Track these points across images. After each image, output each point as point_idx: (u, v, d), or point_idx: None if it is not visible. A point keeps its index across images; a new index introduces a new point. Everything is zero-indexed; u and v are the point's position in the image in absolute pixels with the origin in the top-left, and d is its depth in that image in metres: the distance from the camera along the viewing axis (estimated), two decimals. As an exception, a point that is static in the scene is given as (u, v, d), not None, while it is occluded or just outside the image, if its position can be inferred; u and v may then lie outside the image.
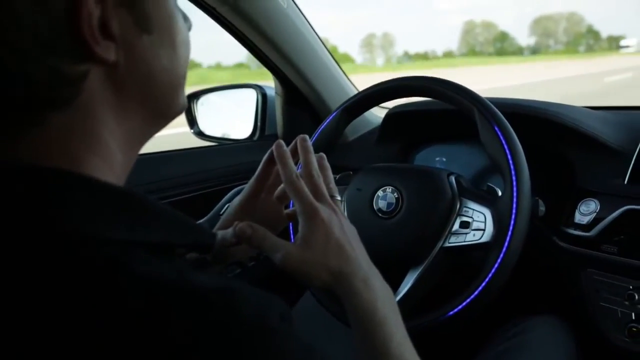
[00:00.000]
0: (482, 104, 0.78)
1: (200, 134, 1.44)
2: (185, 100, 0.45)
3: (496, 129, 0.76)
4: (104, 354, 0.27)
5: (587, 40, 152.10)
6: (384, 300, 0.50)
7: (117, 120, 0.38)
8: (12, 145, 0.33)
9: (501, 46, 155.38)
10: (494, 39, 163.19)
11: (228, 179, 1.23)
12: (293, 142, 0.59)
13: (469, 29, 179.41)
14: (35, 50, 0.32)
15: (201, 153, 1.30)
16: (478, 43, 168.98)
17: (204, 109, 1.45)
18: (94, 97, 0.36)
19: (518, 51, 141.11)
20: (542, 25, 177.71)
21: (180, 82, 0.43)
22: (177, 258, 0.40)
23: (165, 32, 0.40)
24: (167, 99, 0.42)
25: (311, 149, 0.58)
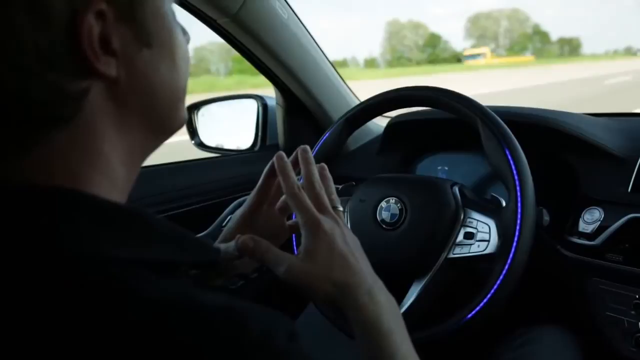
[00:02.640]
0: (485, 113, 0.78)
1: (201, 145, 1.43)
2: (186, 113, 0.45)
3: (499, 138, 0.75)
4: None
5: (534, 43, 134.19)
6: (389, 312, 0.50)
7: (118, 135, 0.38)
8: (13, 164, 0.33)
9: (433, 51, 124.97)
10: (424, 43, 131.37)
11: (229, 191, 1.23)
12: (294, 154, 0.59)
13: (394, 31, 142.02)
14: (36, 67, 0.31)
15: (202, 165, 1.30)
16: (406, 48, 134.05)
17: (204, 120, 1.45)
18: (96, 113, 0.35)
19: (452, 57, 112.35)
20: (480, 26, 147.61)
21: (180, 95, 0.43)
22: (182, 276, 0.39)
23: (165, 46, 0.40)
24: (168, 112, 0.42)
25: (312, 160, 0.57)
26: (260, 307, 0.32)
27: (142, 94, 0.38)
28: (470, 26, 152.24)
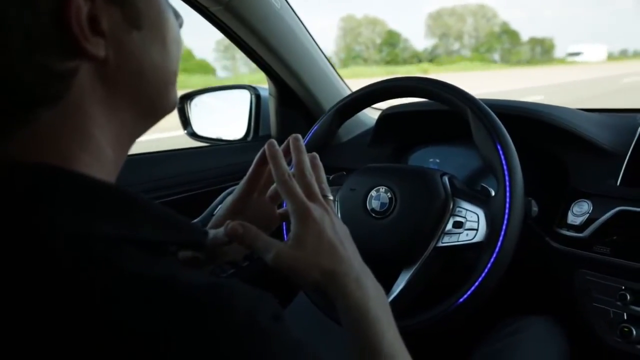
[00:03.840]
0: (476, 104, 0.78)
1: (193, 135, 1.43)
2: (177, 97, 0.45)
3: (489, 129, 0.76)
4: (93, 350, 0.27)
5: (502, 43, 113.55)
6: (376, 300, 0.50)
7: (107, 116, 0.38)
8: (1, 143, 0.33)
9: (391, 51, 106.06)
10: (382, 42, 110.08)
11: (221, 180, 1.22)
12: (285, 142, 0.59)
13: (349, 28, 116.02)
14: (24, 48, 0.31)
15: (194, 154, 1.29)
16: (362, 46, 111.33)
17: (197, 110, 1.45)
18: (84, 93, 0.36)
19: (412, 58, 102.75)
20: (443, 23, 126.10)
21: (171, 78, 0.43)
22: (169, 256, 0.39)
23: (156, 29, 0.40)
24: (157, 95, 0.42)
25: (303, 148, 0.57)
26: (244, 286, 0.33)
27: (131, 76, 0.38)
28: (432, 23, 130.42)
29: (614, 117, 1.05)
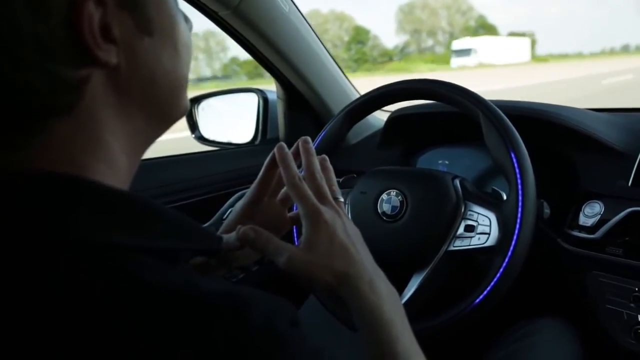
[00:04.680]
0: (487, 107, 0.78)
1: (201, 139, 1.43)
2: (188, 102, 0.45)
3: (501, 132, 0.75)
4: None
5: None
6: (390, 303, 0.50)
7: (120, 123, 0.38)
8: (15, 154, 0.33)
9: (360, 49, 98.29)
10: (350, 40, 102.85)
11: (230, 184, 1.22)
12: (295, 145, 0.59)
13: (314, 24, 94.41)
14: (36, 57, 0.31)
15: (203, 158, 1.29)
16: (329, 44, 76.71)
17: (205, 114, 1.45)
18: (96, 101, 0.35)
19: (382, 56, 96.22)
20: (415, 18, 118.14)
21: (182, 83, 0.43)
22: (183, 264, 0.39)
23: (167, 34, 0.40)
24: (169, 101, 0.42)
25: (313, 150, 0.57)
26: (262, 293, 0.33)
27: (143, 82, 0.38)
28: (403, 18, 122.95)
29: (624, 117, 1.04)
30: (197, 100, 1.45)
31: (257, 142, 1.39)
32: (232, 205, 1.13)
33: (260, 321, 0.30)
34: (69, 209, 0.31)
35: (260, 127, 1.39)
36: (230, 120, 1.49)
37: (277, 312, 0.32)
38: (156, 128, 0.43)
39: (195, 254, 0.50)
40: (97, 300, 0.28)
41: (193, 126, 1.44)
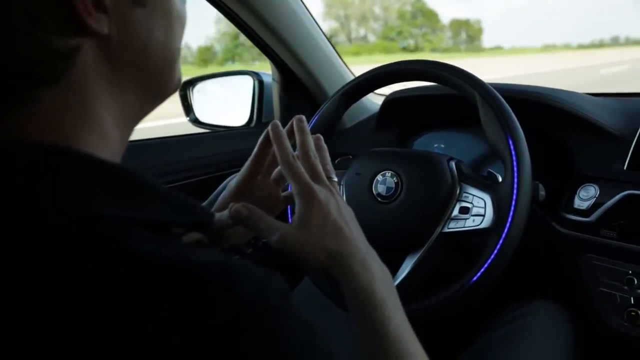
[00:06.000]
0: (484, 88, 0.77)
1: (196, 122, 1.43)
2: (181, 75, 0.44)
3: (498, 113, 0.75)
4: (102, 332, 0.26)
5: (418, 27, 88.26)
6: (382, 282, 0.50)
7: (111, 95, 0.37)
8: (3, 123, 0.33)
9: None
10: None
11: (225, 166, 1.22)
12: (289, 123, 0.58)
13: None
14: (25, 25, 0.31)
15: (197, 140, 1.29)
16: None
17: (200, 96, 1.44)
18: (87, 71, 0.35)
19: None
20: (345, 3, 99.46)
21: (175, 56, 0.42)
22: (175, 238, 0.39)
23: (160, 6, 0.39)
24: (162, 73, 0.41)
25: (307, 129, 0.57)
26: (253, 265, 0.32)
27: (135, 54, 0.38)
28: (332, 2, 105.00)
29: (620, 101, 1.04)
30: (191, 82, 1.44)
31: (253, 125, 1.38)
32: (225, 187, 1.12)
33: (252, 292, 0.30)
34: (57, 178, 0.31)
35: (255, 110, 1.38)
36: (226, 103, 1.48)
37: (269, 284, 0.32)
38: (148, 101, 0.42)
39: (187, 230, 0.50)
40: (89, 269, 0.28)
41: (188, 109, 1.43)
